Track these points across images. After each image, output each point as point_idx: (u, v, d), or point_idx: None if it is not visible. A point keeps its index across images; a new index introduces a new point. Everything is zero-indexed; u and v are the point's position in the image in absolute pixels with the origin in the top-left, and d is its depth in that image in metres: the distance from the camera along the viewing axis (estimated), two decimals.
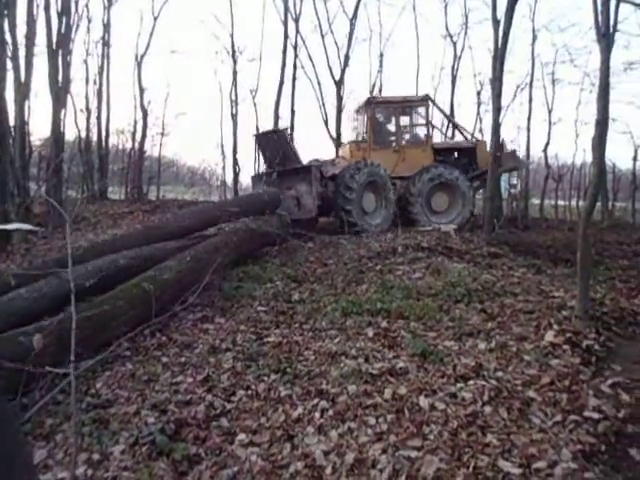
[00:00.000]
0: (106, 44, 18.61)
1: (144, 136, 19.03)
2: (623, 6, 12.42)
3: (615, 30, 15.12)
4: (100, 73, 18.57)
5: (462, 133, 11.76)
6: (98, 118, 18.63)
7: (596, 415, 2.90)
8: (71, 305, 2.79)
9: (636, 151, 19.21)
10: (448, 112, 16.03)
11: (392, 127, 11.29)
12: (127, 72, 36.48)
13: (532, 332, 4.23)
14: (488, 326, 4.47)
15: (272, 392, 3.55)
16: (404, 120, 11.36)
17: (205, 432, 3.10)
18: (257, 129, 19.83)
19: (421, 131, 11.35)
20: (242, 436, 3.02)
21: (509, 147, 11.77)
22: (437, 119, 22.24)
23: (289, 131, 9.86)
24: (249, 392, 3.58)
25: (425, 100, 11.07)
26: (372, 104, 10.92)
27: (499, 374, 3.49)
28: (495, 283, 5.72)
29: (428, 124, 11.16)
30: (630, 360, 3.90)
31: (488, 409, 3.03)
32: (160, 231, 7.20)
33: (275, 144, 9.85)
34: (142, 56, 18.65)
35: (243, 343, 4.52)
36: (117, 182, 22.45)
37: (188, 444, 2.96)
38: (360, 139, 11.42)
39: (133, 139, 19.66)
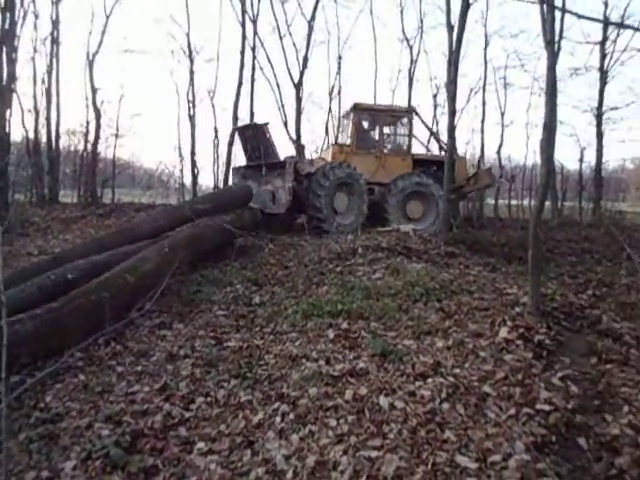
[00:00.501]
0: (55, 41, 17.86)
1: (97, 137, 18.38)
2: (568, 15, 13.06)
3: (561, 37, 15.89)
4: (49, 72, 17.80)
5: (443, 148, 12.07)
6: (47, 119, 17.85)
7: (547, 407, 3.01)
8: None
9: (582, 153, 20.20)
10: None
11: (375, 134, 11.45)
12: (78, 71, 35.17)
13: (487, 329, 4.35)
14: (446, 324, 4.56)
15: (232, 398, 3.50)
16: (388, 128, 11.56)
17: (162, 442, 3.01)
18: (215, 131, 19.60)
19: (403, 141, 11.57)
20: (201, 444, 2.95)
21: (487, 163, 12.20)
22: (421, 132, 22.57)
23: (268, 126, 9.92)
24: (208, 399, 3.51)
25: (410, 112, 11.39)
26: (357, 110, 11.11)
27: (456, 371, 3.57)
28: (452, 282, 5.84)
29: (410, 135, 11.41)
30: (578, 353, 4.08)
31: (446, 406, 3.09)
32: (134, 232, 7.10)
33: (254, 138, 9.95)
34: (94, 55, 18.03)
35: (202, 349, 4.43)
36: (69, 185, 21.60)
37: (144, 456, 2.87)
38: (344, 142, 11.61)
39: (85, 140, 18.96)
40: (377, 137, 11.36)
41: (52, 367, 3.89)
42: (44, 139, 18.08)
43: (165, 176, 24.72)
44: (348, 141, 11.55)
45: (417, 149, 12.38)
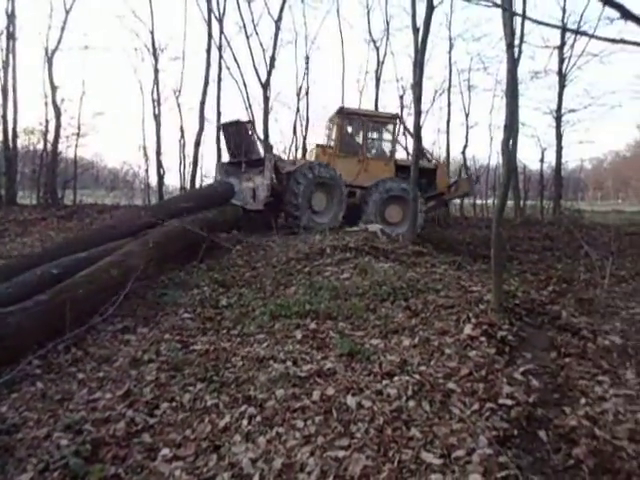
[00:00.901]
0: (11, 37, 17.18)
1: (57, 136, 17.79)
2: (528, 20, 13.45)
3: (522, 41, 16.35)
4: (5, 68, 17.12)
5: (425, 155, 12.21)
6: (4, 117, 17.14)
7: (509, 402, 3.08)
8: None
9: (543, 153, 20.89)
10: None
11: (359, 138, 11.49)
12: (37, 68, 33.94)
13: (452, 326, 4.43)
14: (412, 322, 4.62)
15: (198, 402, 3.43)
16: (372, 133, 11.62)
17: (125, 450, 2.93)
18: (181, 130, 19.27)
19: (387, 146, 11.65)
20: (165, 451, 2.89)
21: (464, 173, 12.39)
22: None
23: (250, 124, 10.27)
24: (173, 404, 3.44)
25: (394, 118, 11.50)
26: (343, 114, 11.17)
27: (422, 368, 3.61)
28: (419, 280, 5.92)
29: (394, 141, 11.52)
30: (539, 348, 4.20)
31: (412, 403, 3.12)
32: (116, 230, 7.11)
33: (237, 135, 10.09)
34: (53, 51, 17.44)
35: (168, 353, 4.34)
36: (28, 186, 20.81)
37: (106, 465, 2.79)
38: (328, 144, 11.63)
39: (45, 140, 18.31)
40: (361, 141, 11.43)
41: (8, 375, 3.74)
42: (0, 138, 17.36)
43: (130, 176, 24.14)
44: (332, 143, 11.60)
45: (401, 155, 12.60)
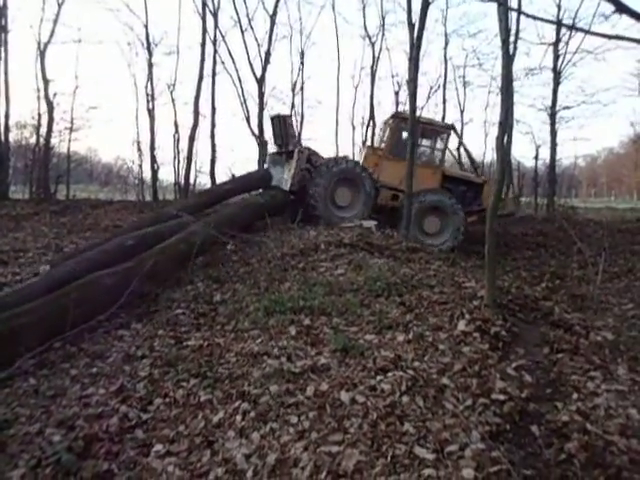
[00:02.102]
0: (3, 29, 16.98)
1: (50, 131, 17.63)
2: (524, 16, 13.46)
3: (517, 38, 16.38)
4: None
5: (476, 169, 12.10)
6: None
7: (502, 397, 3.11)
8: None
9: (537, 150, 20.96)
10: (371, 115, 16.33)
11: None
12: (30, 61, 33.62)
13: (446, 322, 4.45)
14: (406, 318, 4.63)
15: (191, 398, 3.43)
16: (424, 141, 11.50)
17: (118, 446, 2.93)
18: (176, 125, 19.18)
19: (437, 156, 11.53)
20: (159, 447, 2.89)
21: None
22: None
23: (290, 117, 10.72)
24: (167, 400, 3.44)
25: (449, 128, 11.33)
26: (397, 118, 11.15)
27: (416, 364, 3.62)
28: (413, 276, 5.93)
29: (444, 150, 11.41)
30: (532, 343, 4.23)
31: (406, 399, 3.13)
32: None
33: (279, 127, 10.75)
34: (45, 45, 17.26)
35: (161, 348, 4.33)
36: (20, 181, 20.64)
37: (99, 460, 2.78)
38: (379, 146, 11.60)
39: (37, 134, 18.14)
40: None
41: (4, 374, 3.72)
42: None
43: (124, 171, 23.95)
44: (382, 145, 11.54)
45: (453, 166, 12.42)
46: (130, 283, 5.24)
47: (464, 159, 13.30)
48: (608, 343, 4.16)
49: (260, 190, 10.59)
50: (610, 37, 1.84)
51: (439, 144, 11.56)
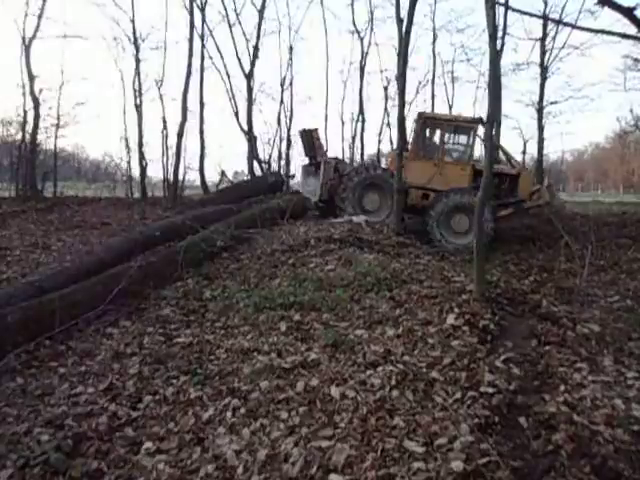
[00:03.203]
0: None
1: (36, 127, 17.37)
2: (512, 11, 13.50)
3: (505, 33, 16.43)
4: None
5: (510, 160, 11.88)
6: None
7: (491, 389, 3.13)
8: None
9: (525, 145, 21.09)
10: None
11: (437, 142, 11.23)
12: (14, 57, 33.05)
13: (436, 316, 4.47)
14: (396, 313, 4.65)
15: (181, 395, 3.42)
16: (450, 137, 11.29)
17: (108, 444, 2.92)
18: (164, 121, 19.01)
19: (465, 150, 11.29)
20: (148, 444, 2.88)
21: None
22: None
23: (315, 131, 11.39)
24: (157, 397, 3.43)
25: (476, 122, 11.04)
26: (421, 119, 11.02)
27: (406, 358, 3.64)
28: (403, 271, 5.96)
29: (473, 145, 11.21)
30: (520, 336, 4.27)
31: (395, 393, 3.15)
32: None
33: (307, 140, 11.53)
34: (30, 40, 16.96)
35: (151, 346, 4.32)
36: (7, 178, 20.32)
37: (88, 459, 2.77)
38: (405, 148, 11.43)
39: (23, 131, 17.85)
40: (438, 144, 11.16)
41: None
42: None
43: (112, 168, 23.72)
44: (408, 147, 11.37)
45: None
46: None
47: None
48: (594, 335, 4.21)
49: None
50: (596, 31, 1.85)
51: (467, 139, 11.28)
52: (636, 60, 16.70)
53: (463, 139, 11.39)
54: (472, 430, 2.68)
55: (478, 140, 11.17)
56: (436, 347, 3.83)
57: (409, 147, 11.12)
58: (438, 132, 11.29)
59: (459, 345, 3.82)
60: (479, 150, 11.86)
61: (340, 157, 12.06)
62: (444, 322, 4.28)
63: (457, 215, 10.42)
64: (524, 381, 3.38)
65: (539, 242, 10.36)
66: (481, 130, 10.92)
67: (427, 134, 11.43)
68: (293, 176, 17.27)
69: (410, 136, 11.40)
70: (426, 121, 11.13)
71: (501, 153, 12.37)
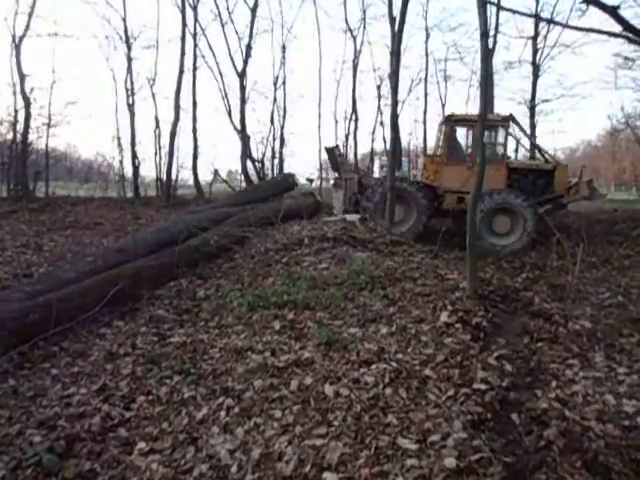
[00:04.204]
0: None
1: (27, 127, 17.25)
2: (504, 10, 13.54)
3: (497, 32, 16.46)
4: None
5: (543, 155, 11.69)
6: None
7: (483, 386, 3.15)
8: None
9: (517, 143, 21.11)
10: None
11: (468, 144, 11.09)
12: (4, 55, 32.73)
13: (429, 314, 4.49)
14: (390, 311, 4.66)
15: (175, 395, 3.42)
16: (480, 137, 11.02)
17: (101, 445, 2.91)
18: (156, 120, 18.92)
19: (498, 150, 11.11)
20: (142, 444, 2.87)
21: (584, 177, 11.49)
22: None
23: (337, 147, 12.10)
24: (150, 397, 3.42)
25: (507, 120, 10.86)
26: (451, 121, 10.88)
27: (399, 356, 3.65)
28: (396, 269, 5.97)
29: (506, 143, 11.04)
30: (513, 333, 4.30)
31: (389, 390, 3.16)
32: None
33: (331, 157, 11.99)
34: (20, 38, 16.83)
35: (144, 346, 4.31)
36: None
37: (81, 460, 2.76)
38: (435, 153, 11.33)
39: (14, 130, 17.71)
40: (470, 147, 11.02)
41: None
42: None
43: (105, 168, 23.55)
44: (439, 152, 11.23)
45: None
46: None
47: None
48: (586, 331, 4.24)
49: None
50: (584, 30, 1.86)
51: (498, 138, 11.10)
52: (626, 58, 16.84)
53: (496, 138, 11.18)
54: (465, 427, 2.70)
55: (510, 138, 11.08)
56: (429, 345, 3.85)
57: (439, 151, 10.96)
58: (469, 134, 11.12)
59: (452, 342, 3.84)
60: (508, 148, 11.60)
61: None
62: (437, 320, 4.30)
63: (498, 216, 10.35)
64: (516, 378, 3.41)
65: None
66: (513, 127, 10.87)
67: (457, 137, 11.26)
68: (312, 180, 17.54)
69: (439, 140, 11.20)
70: (455, 124, 10.98)
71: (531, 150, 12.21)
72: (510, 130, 10.89)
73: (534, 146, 11.84)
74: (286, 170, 20.23)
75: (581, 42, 17.54)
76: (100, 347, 4.31)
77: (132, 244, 7.32)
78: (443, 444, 2.55)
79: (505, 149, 11.04)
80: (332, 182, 13.38)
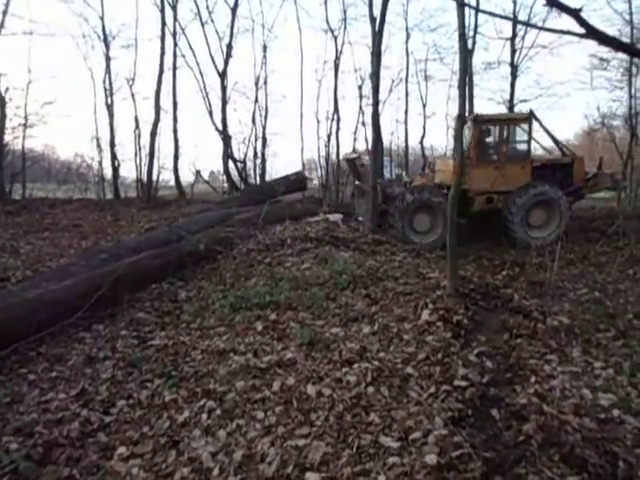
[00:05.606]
0: None
1: (3, 127, 16.85)
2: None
3: (476, 32, 16.65)
4: None
5: (561, 149, 11.72)
6: None
7: (464, 383, 3.19)
8: None
9: (530, 139, 21.32)
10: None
11: (495, 143, 11.03)
12: None
13: (411, 312, 4.53)
14: (372, 310, 4.69)
15: (156, 398, 3.38)
16: (507, 137, 11.01)
17: (80, 451, 2.86)
18: (136, 120, 18.66)
19: (523, 148, 11.07)
20: (122, 449, 2.83)
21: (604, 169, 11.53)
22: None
23: (359, 157, 11.49)
24: (130, 401, 3.37)
25: (529, 117, 10.85)
26: (478, 122, 10.73)
27: (381, 355, 3.68)
28: (378, 269, 6.01)
29: (530, 140, 10.98)
30: (492, 330, 4.36)
31: (371, 389, 3.18)
32: (234, 202, 12.55)
33: (351, 167, 11.88)
34: None
35: (124, 349, 4.24)
36: None
37: (59, 467, 2.71)
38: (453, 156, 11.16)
39: None
40: (497, 147, 10.89)
41: None
42: None
43: (84, 169, 23.10)
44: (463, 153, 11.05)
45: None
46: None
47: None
48: (564, 327, 4.33)
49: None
50: (562, 32, 1.88)
51: (521, 136, 11.07)
52: (602, 59, 17.16)
53: (519, 136, 11.20)
54: (446, 423, 2.72)
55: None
56: (411, 343, 3.88)
57: (469, 154, 10.81)
58: (494, 134, 11.02)
59: (433, 340, 3.87)
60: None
61: (394, 176, 12.21)
62: (419, 318, 4.34)
63: (534, 210, 10.44)
64: (496, 374, 3.46)
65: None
66: (535, 124, 10.92)
67: (484, 138, 11.21)
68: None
69: (466, 142, 11.09)
70: (482, 125, 10.95)
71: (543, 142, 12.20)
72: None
73: (554, 140, 11.89)
74: (269, 170, 20.16)
75: (557, 43, 17.83)
76: (79, 351, 4.23)
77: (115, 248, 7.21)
78: (424, 441, 2.57)
79: (529, 146, 11.12)
80: (352, 190, 13.22)
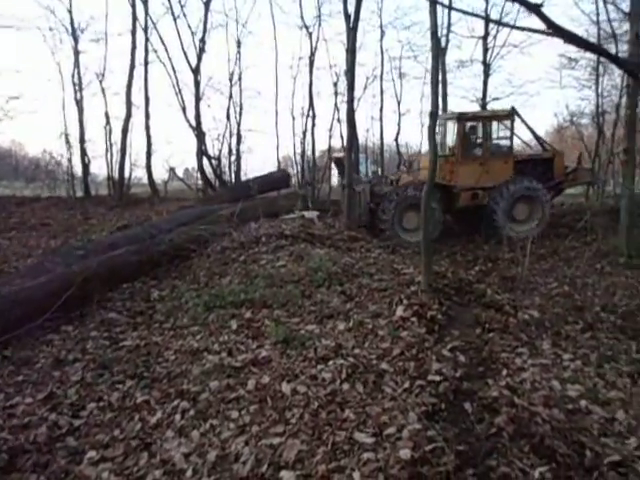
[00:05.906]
0: None
1: None
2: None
3: (449, 31, 16.82)
4: None
5: (542, 144, 11.85)
6: None
7: (438, 377, 3.22)
8: None
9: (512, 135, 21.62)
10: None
11: (479, 141, 11.10)
12: None
13: (385, 308, 4.55)
14: (347, 307, 4.69)
15: (127, 400, 3.31)
16: (490, 134, 11.02)
17: (47, 456, 2.78)
18: (107, 116, 18.21)
19: (505, 144, 11.15)
20: (92, 453, 2.76)
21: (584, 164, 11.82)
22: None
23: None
24: (101, 404, 3.30)
25: (511, 114, 10.94)
26: (462, 120, 10.81)
27: (356, 351, 3.68)
28: (354, 265, 6.02)
29: (512, 137, 11.16)
30: (466, 324, 4.42)
31: (346, 386, 3.18)
32: (217, 199, 12.45)
33: (339, 167, 11.76)
34: None
35: (95, 351, 4.15)
36: None
37: (25, 473, 2.63)
38: (447, 153, 11.18)
39: None
40: (480, 143, 11.09)
41: None
42: None
43: (52, 166, 22.44)
44: (447, 151, 11.26)
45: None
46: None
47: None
48: (534, 320, 4.43)
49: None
50: (533, 31, 1.91)
51: (504, 132, 11.31)
52: (570, 59, 17.59)
53: (501, 133, 11.28)
54: (420, 418, 2.74)
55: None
56: (386, 339, 3.90)
57: (454, 151, 10.95)
58: (478, 131, 11.19)
59: (408, 336, 3.90)
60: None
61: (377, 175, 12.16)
62: (393, 314, 4.37)
63: (518, 204, 10.63)
64: (469, 368, 3.51)
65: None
66: (516, 121, 11.05)
67: (468, 135, 11.30)
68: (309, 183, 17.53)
69: (452, 140, 11.23)
70: (466, 122, 11.06)
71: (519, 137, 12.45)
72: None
73: (535, 136, 12.18)
74: (244, 167, 19.98)
75: (528, 42, 18.18)
76: (47, 354, 4.11)
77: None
78: (398, 436, 2.59)
79: (512, 142, 11.35)
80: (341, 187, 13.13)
